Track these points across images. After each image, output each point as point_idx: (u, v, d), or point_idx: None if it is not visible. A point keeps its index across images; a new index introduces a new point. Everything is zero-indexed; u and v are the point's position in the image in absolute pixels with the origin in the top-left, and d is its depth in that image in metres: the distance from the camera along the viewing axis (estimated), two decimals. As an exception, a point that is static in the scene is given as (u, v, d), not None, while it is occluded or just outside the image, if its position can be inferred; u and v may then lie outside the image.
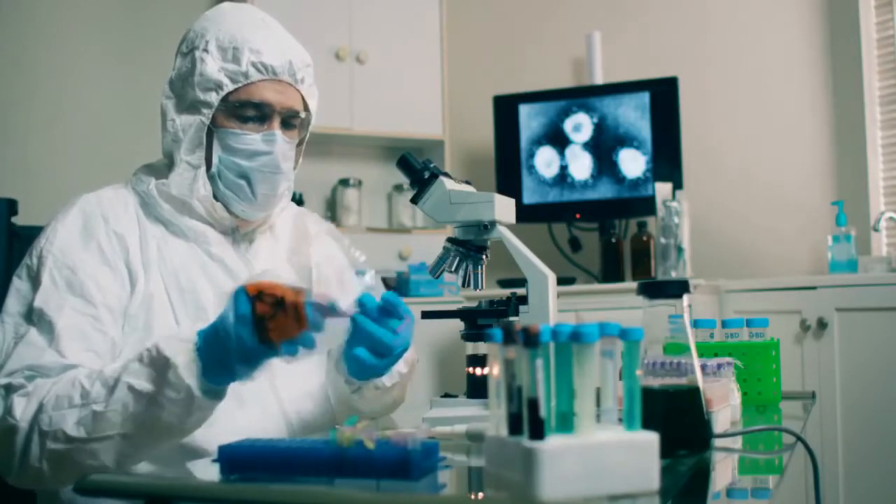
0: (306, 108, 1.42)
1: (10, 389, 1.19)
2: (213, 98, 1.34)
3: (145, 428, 1.14)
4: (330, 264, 1.55)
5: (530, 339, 0.79)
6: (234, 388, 1.29)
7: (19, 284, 1.30)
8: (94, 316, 1.27)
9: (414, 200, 1.37)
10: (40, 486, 1.24)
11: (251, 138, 1.36)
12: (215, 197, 1.38)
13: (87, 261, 1.30)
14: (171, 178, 1.36)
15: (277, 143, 1.36)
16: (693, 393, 1.01)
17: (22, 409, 1.16)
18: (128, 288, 1.31)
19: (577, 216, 3.41)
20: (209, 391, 1.13)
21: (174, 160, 1.37)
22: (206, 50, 1.35)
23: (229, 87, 1.34)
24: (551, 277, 1.33)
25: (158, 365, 1.12)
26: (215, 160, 1.37)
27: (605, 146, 3.35)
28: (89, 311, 1.26)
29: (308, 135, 1.48)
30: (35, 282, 1.28)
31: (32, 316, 1.25)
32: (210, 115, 1.34)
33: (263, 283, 1.08)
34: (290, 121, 1.39)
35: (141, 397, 1.12)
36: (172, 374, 1.11)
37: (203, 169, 1.36)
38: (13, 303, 1.28)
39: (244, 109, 1.35)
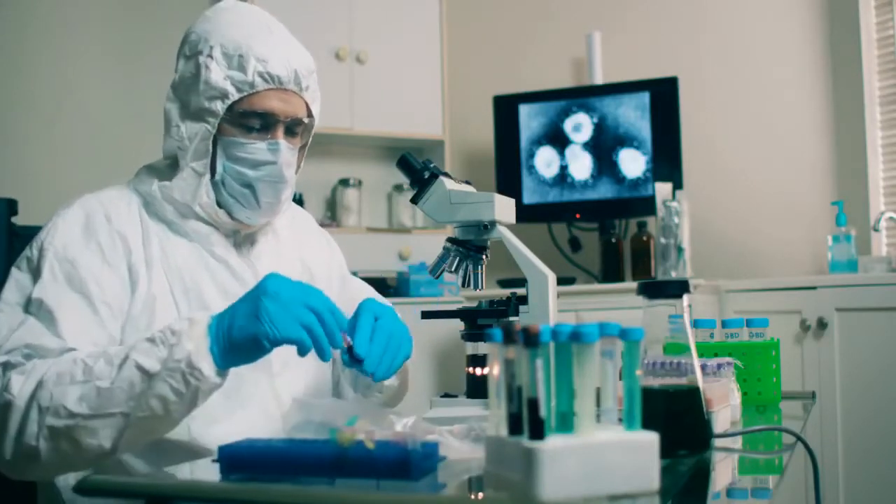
0: (310, 114, 1.41)
1: (7, 367, 1.19)
2: (219, 107, 1.32)
3: (146, 408, 1.13)
4: (325, 266, 1.57)
5: (530, 339, 0.79)
6: (234, 389, 1.30)
7: (18, 275, 1.30)
8: (93, 310, 1.27)
9: (414, 200, 1.37)
10: (33, 471, 1.21)
11: (255, 147, 1.34)
12: (218, 203, 1.37)
13: (87, 257, 1.30)
14: (175, 182, 1.36)
15: (282, 153, 1.35)
16: (693, 393, 1.01)
17: (20, 387, 1.15)
18: (128, 290, 1.31)
19: (577, 216, 3.41)
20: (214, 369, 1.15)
21: (179, 164, 1.37)
22: (210, 56, 1.33)
23: (235, 96, 1.32)
24: (551, 277, 1.33)
25: (168, 341, 1.14)
26: (219, 168, 1.36)
27: (605, 146, 3.35)
28: (88, 305, 1.27)
29: (311, 138, 1.47)
30: (35, 273, 1.28)
31: (31, 307, 1.25)
32: (216, 124, 1.33)
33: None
34: (293, 128, 1.38)
35: (146, 376, 1.12)
36: (179, 349, 1.12)
37: (207, 177, 1.35)
38: (11, 293, 1.28)
39: (249, 119, 1.34)
